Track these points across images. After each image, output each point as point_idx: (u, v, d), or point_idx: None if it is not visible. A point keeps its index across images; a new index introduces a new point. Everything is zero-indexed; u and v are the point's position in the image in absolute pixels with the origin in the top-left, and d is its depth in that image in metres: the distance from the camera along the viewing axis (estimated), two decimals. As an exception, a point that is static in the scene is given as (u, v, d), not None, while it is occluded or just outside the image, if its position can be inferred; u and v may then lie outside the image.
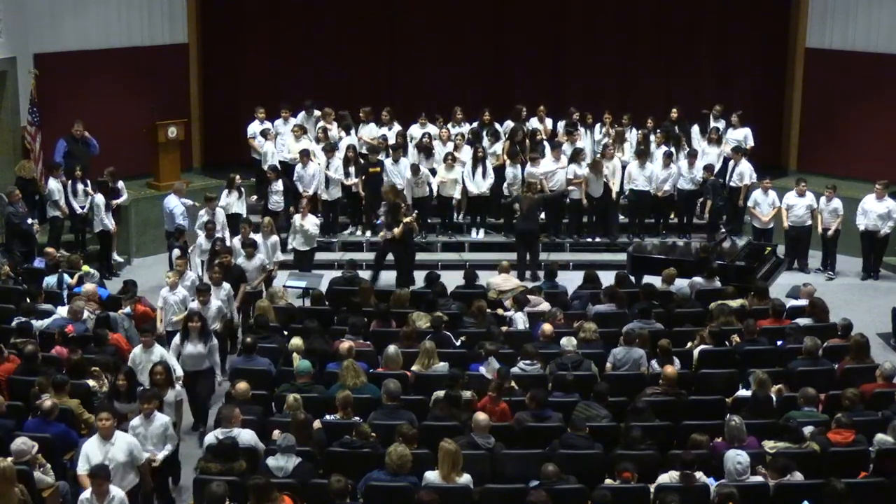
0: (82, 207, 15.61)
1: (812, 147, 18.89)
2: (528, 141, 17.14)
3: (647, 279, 14.34)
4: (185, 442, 10.69)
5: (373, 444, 9.06)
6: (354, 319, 11.63)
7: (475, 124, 17.63)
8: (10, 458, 8.46)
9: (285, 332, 11.82)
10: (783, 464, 8.79)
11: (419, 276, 14.40)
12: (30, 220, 14.84)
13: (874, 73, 17.94)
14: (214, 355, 11.26)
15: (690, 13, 19.67)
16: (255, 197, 17.26)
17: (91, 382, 10.40)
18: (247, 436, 9.14)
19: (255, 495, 8.03)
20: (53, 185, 15.44)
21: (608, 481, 8.75)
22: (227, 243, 14.19)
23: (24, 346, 10.62)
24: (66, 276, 13.22)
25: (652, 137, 17.35)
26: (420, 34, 19.75)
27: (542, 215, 16.49)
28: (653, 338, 11.27)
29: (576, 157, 16.70)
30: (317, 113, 17.73)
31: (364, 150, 17.24)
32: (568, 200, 16.91)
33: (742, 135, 17.56)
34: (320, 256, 16.11)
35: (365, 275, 14.72)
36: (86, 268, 13.58)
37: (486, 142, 17.27)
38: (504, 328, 12.10)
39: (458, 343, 11.65)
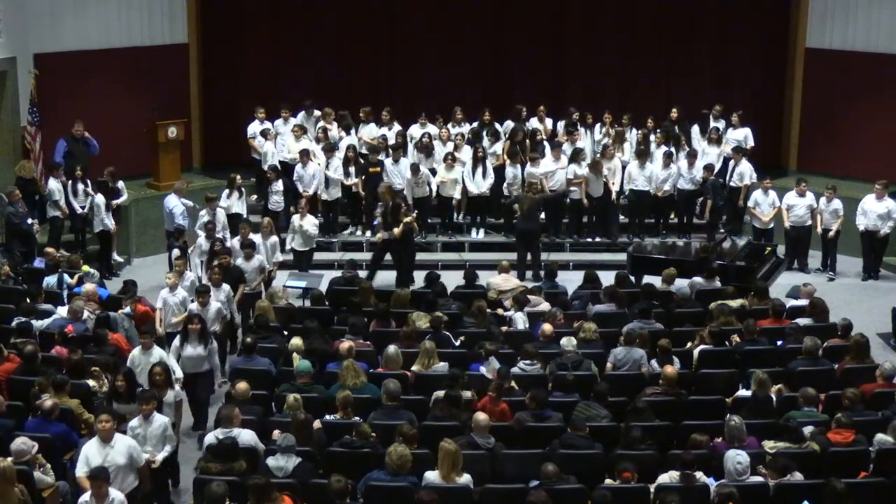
0: (82, 207, 15.60)
1: (812, 147, 18.89)
2: (528, 141, 17.14)
3: (647, 279, 14.35)
4: (185, 444, 10.67)
5: (373, 444, 9.06)
6: (354, 319, 11.63)
7: (475, 124, 17.63)
8: (9, 458, 8.46)
9: (285, 332, 11.82)
10: (783, 464, 8.79)
11: (419, 276, 14.37)
12: (30, 220, 14.84)
13: (874, 73, 17.94)
14: (214, 358, 11.23)
15: (690, 13, 19.68)
16: (254, 196, 17.25)
17: (91, 382, 10.40)
18: (247, 436, 9.14)
19: (255, 495, 8.03)
20: (53, 185, 15.44)
21: (608, 481, 8.75)
22: (228, 244, 14.17)
23: (24, 346, 10.62)
24: (66, 276, 13.22)
25: (652, 137, 17.35)
26: (420, 34, 19.75)
27: (542, 215, 16.48)
28: (653, 338, 11.28)
29: (576, 157, 16.70)
30: (317, 113, 17.73)
31: (364, 150, 17.24)
32: (568, 200, 16.91)
33: (742, 135, 17.56)
34: (320, 256, 16.12)
35: (363, 275, 14.70)
36: (86, 268, 13.58)
37: (486, 142, 17.27)
38: (504, 328, 12.10)
39: (457, 343, 11.65)
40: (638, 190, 16.93)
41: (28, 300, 12.19)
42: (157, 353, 10.65)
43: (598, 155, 17.02)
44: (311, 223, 15.14)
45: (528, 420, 9.60)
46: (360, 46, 19.67)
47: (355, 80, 19.64)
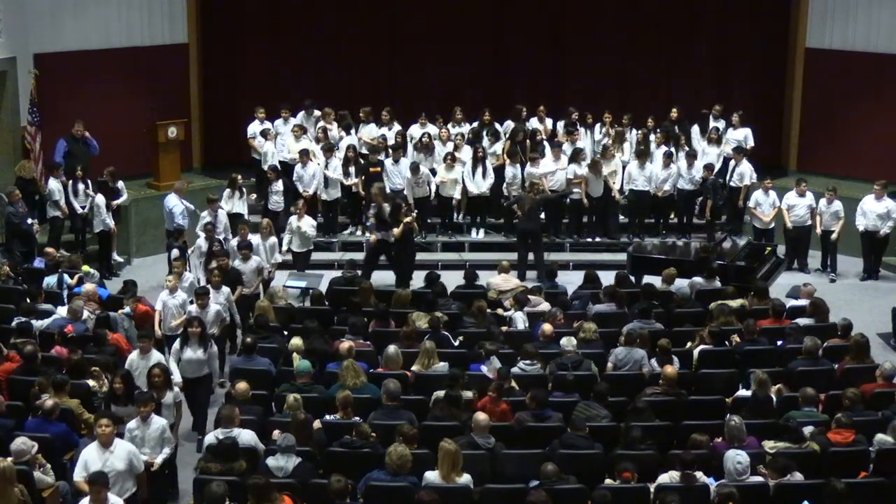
0: (83, 207, 15.60)
1: (812, 147, 18.89)
2: (528, 141, 17.14)
3: (647, 279, 14.35)
4: (183, 447, 10.62)
5: (373, 444, 9.06)
6: (354, 319, 11.63)
7: (475, 124, 17.63)
8: (9, 458, 8.45)
9: (285, 332, 11.82)
10: (783, 464, 8.79)
11: (419, 277, 14.36)
12: (30, 220, 14.84)
13: (874, 73, 17.94)
14: (214, 362, 11.16)
15: (690, 13, 19.68)
16: (254, 196, 17.24)
17: (91, 382, 10.40)
18: (247, 436, 9.14)
19: (255, 495, 8.03)
20: (53, 185, 15.44)
21: (608, 481, 8.75)
22: (229, 245, 14.14)
23: (24, 346, 10.62)
24: (66, 276, 13.22)
25: (652, 137, 17.35)
26: (420, 34, 19.75)
27: (542, 215, 16.47)
28: (653, 338, 11.28)
29: (576, 156, 16.70)
30: (317, 113, 17.73)
31: (364, 151, 17.24)
32: (568, 201, 16.91)
33: (742, 135, 17.55)
34: (321, 256, 16.12)
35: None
36: (86, 268, 13.57)
37: (486, 142, 17.27)
38: (504, 328, 12.09)
39: (456, 343, 11.65)
40: (638, 190, 16.92)
41: (28, 300, 12.19)
42: (156, 356, 10.60)
43: (598, 155, 17.01)
44: (308, 224, 15.10)
45: (528, 420, 9.61)
46: (360, 46, 19.67)
47: (355, 80, 19.64)
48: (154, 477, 9.28)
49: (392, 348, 10.79)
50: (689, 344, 11.70)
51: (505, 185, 16.78)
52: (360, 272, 14.27)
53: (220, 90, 19.52)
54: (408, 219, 15.04)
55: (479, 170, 16.64)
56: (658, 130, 17.51)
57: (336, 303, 12.96)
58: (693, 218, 17.19)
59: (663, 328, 11.93)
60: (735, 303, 12.48)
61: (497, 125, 17.71)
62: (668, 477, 8.68)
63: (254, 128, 17.55)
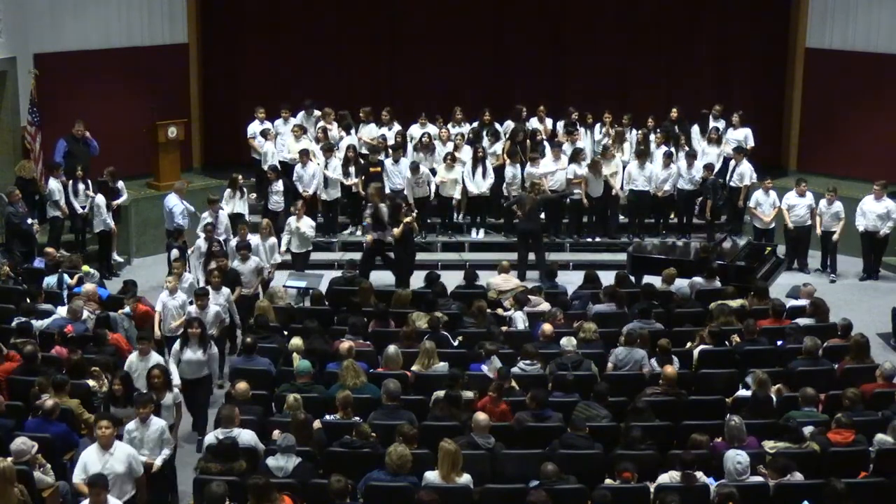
0: (83, 207, 15.59)
1: (812, 147, 18.89)
2: (528, 141, 17.14)
3: (647, 279, 14.34)
4: (183, 448, 10.60)
5: (373, 444, 9.06)
6: (354, 319, 11.63)
7: (475, 124, 17.63)
8: (9, 458, 8.45)
9: (285, 332, 11.82)
10: (783, 464, 8.79)
11: (419, 276, 14.36)
12: (30, 220, 14.84)
13: (874, 73, 17.94)
14: (213, 364, 11.13)
15: (690, 13, 19.68)
16: (254, 195, 17.24)
17: (91, 382, 10.40)
18: (247, 436, 9.13)
19: (255, 495, 8.02)
20: (53, 185, 15.43)
21: (608, 481, 8.75)
22: (230, 245, 14.12)
23: (24, 346, 10.62)
24: (66, 276, 13.21)
25: (652, 137, 17.35)
26: (420, 34, 19.75)
27: (542, 215, 16.47)
28: (653, 338, 11.28)
29: (576, 156, 16.70)
30: (317, 113, 17.73)
31: (364, 151, 17.23)
32: (568, 201, 16.90)
33: (742, 135, 17.55)
34: (321, 256, 16.12)
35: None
36: (86, 268, 13.58)
37: (485, 142, 17.27)
38: (504, 328, 12.09)
39: (455, 343, 11.65)
40: (638, 190, 16.92)
41: (28, 300, 12.19)
42: (155, 358, 10.56)
43: (598, 155, 17.01)
44: (307, 225, 15.06)
45: (528, 420, 9.61)
46: (360, 46, 19.67)
47: (355, 80, 19.64)
48: (154, 479, 9.27)
49: (392, 348, 10.79)
50: (689, 344, 11.70)
51: (505, 185, 16.78)
52: (358, 272, 14.26)
53: (220, 90, 19.52)
54: (408, 219, 15.03)
55: (479, 170, 16.64)
56: (658, 130, 17.51)
57: (336, 303, 12.95)
58: (693, 218, 17.19)
59: (663, 328, 11.93)
60: (735, 303, 12.48)
61: (497, 125, 17.71)
62: (669, 477, 8.68)
63: (254, 128, 17.55)
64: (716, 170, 16.89)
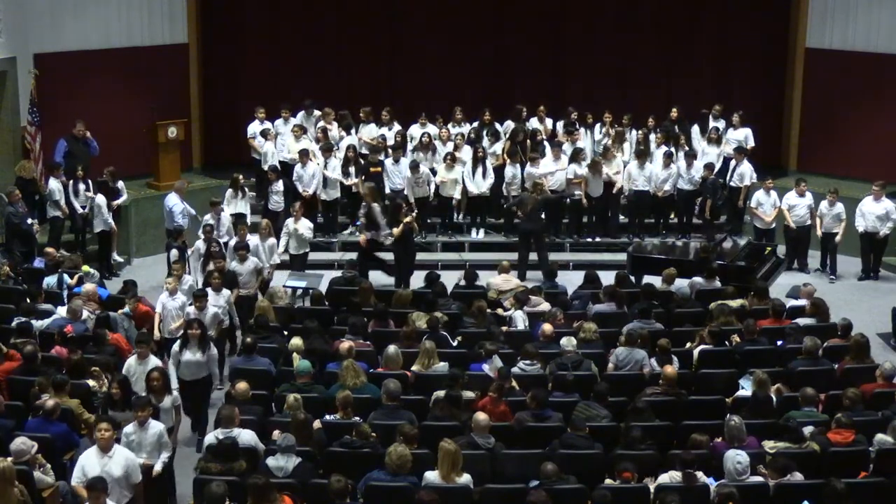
0: (83, 207, 15.59)
1: (812, 147, 18.89)
2: (528, 141, 17.14)
3: (647, 279, 14.34)
4: (182, 451, 10.54)
5: (373, 444, 9.06)
6: (354, 319, 11.63)
7: (475, 124, 17.63)
8: (9, 458, 8.45)
9: (285, 332, 11.82)
10: (783, 464, 8.79)
11: (419, 276, 14.36)
12: (30, 220, 14.84)
13: (874, 73, 17.94)
14: (213, 365, 11.07)
15: (690, 13, 19.68)
16: (253, 194, 17.22)
17: (91, 382, 10.40)
18: (247, 436, 9.13)
19: (255, 495, 8.02)
20: (54, 185, 15.43)
21: (608, 481, 8.75)
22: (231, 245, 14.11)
23: (24, 346, 10.61)
24: (65, 276, 13.21)
25: (652, 137, 17.35)
26: (420, 34, 19.75)
27: (542, 215, 16.46)
28: (653, 338, 11.28)
29: (576, 156, 16.71)
30: (317, 113, 17.73)
31: (364, 151, 17.23)
32: (568, 201, 16.90)
33: (743, 135, 17.55)
34: (321, 256, 16.12)
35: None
36: (86, 268, 13.58)
37: (486, 142, 17.27)
38: (504, 328, 12.09)
39: (454, 343, 11.65)
40: (638, 190, 16.92)
41: (28, 300, 12.19)
42: (153, 361, 10.51)
43: (599, 156, 17.02)
44: (305, 226, 15.00)
45: (528, 420, 9.61)
46: (360, 46, 19.67)
47: (355, 80, 19.64)
48: (153, 482, 9.21)
49: (392, 348, 10.79)
50: (689, 344, 11.70)
51: (505, 184, 16.78)
52: (358, 272, 14.26)
53: (220, 90, 19.52)
54: (407, 219, 15.02)
55: (479, 170, 16.64)
56: (658, 130, 17.51)
57: (336, 303, 12.95)
58: (693, 218, 17.19)
59: (663, 328, 11.93)
60: (735, 303, 12.48)
61: (497, 125, 17.71)
62: (669, 477, 8.68)
63: (254, 128, 17.55)
64: (716, 170, 16.89)
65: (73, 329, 11.38)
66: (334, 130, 17.42)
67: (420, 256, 15.73)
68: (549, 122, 18.05)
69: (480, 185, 16.72)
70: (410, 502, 8.21)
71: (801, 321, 12.24)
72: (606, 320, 12.15)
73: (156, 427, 9.29)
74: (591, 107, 18.07)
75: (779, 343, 11.57)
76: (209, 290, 12.28)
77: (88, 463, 8.59)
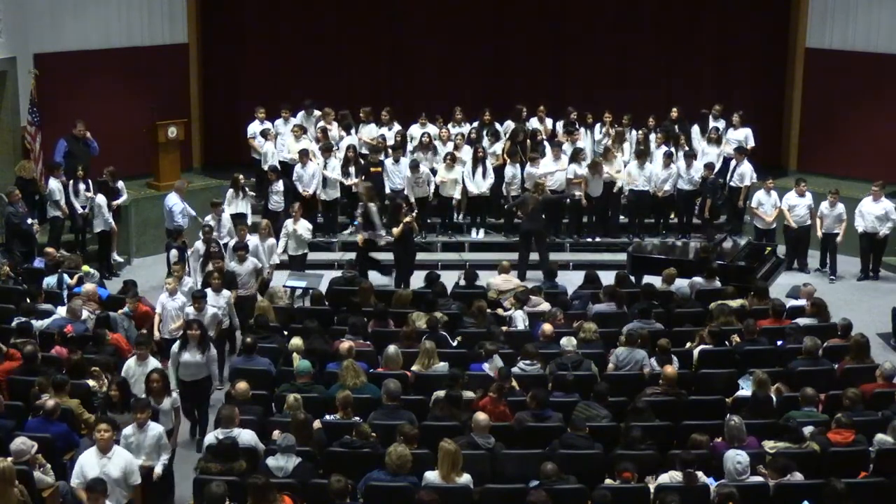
0: (83, 207, 15.59)
1: (812, 147, 18.89)
2: (528, 141, 17.14)
3: (647, 279, 14.34)
4: (181, 453, 10.47)
5: (373, 444, 9.06)
6: (354, 319, 11.63)
7: (475, 124, 17.63)
8: (9, 458, 8.45)
9: (285, 332, 11.81)
10: (783, 464, 8.79)
11: (419, 276, 14.36)
12: (30, 220, 14.84)
13: (874, 73, 17.94)
14: (213, 366, 11.04)
15: (690, 13, 19.68)
16: (253, 194, 17.22)
17: (91, 382, 10.40)
18: (247, 436, 9.13)
19: (254, 495, 8.02)
20: (54, 185, 15.42)
21: (608, 481, 8.75)
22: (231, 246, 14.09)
23: (24, 346, 10.61)
24: (65, 276, 13.21)
25: (652, 137, 17.35)
26: (420, 34, 19.75)
27: (543, 215, 16.46)
28: (653, 338, 11.28)
29: (576, 156, 16.71)
30: (317, 113, 17.73)
31: (364, 151, 17.23)
32: (568, 201, 16.90)
33: (743, 135, 17.55)
34: (321, 256, 16.12)
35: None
36: (86, 268, 13.58)
37: (486, 142, 17.27)
38: (504, 328, 12.09)
39: (454, 343, 11.64)
40: (638, 190, 16.92)
41: (28, 300, 12.18)
42: (153, 363, 10.48)
43: (599, 156, 17.02)
44: (304, 228, 14.96)
45: (528, 420, 9.61)
46: (360, 46, 19.67)
47: (355, 80, 19.64)
48: (152, 484, 9.17)
49: (392, 348, 10.79)
50: (689, 344, 11.70)
51: (505, 184, 16.78)
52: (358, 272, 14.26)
53: (220, 90, 19.52)
54: (407, 218, 15.02)
55: (479, 170, 16.64)
56: (658, 130, 17.51)
57: (336, 303, 12.95)
58: (693, 218, 17.19)
59: (663, 328, 11.93)
60: (735, 303, 12.48)
61: (497, 125, 17.71)
62: (669, 477, 8.68)
63: (254, 128, 17.55)
64: (716, 170, 16.89)
65: (73, 329, 11.38)
66: (334, 130, 17.42)
67: (420, 256, 15.73)
68: (549, 122, 18.05)
69: (480, 185, 16.71)
70: (410, 502, 8.21)
71: (801, 321, 12.25)
72: (606, 320, 12.15)
73: (155, 429, 9.26)
74: (591, 107, 18.06)
75: (779, 343, 11.58)
76: (209, 290, 12.27)
77: (87, 464, 8.58)
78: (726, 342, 11.62)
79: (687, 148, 17.25)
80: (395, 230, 14.92)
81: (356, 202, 16.88)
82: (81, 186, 15.56)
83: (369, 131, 17.62)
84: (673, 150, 16.94)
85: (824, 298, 12.77)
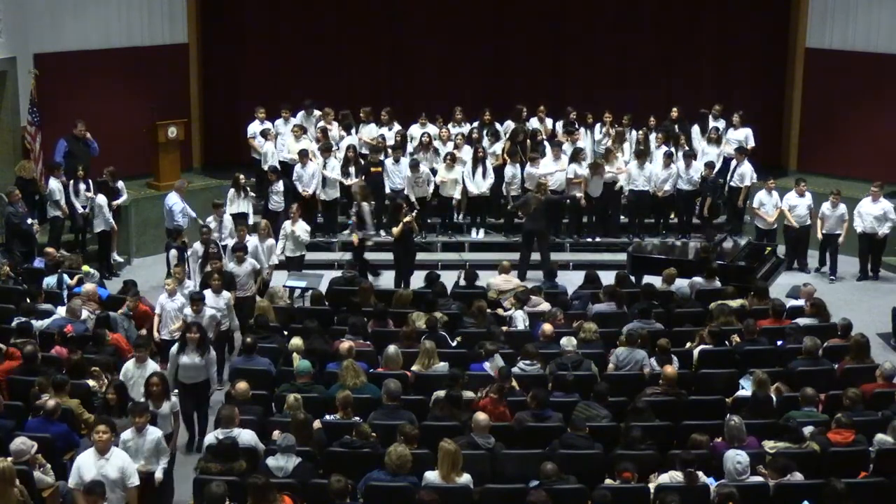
0: (84, 207, 15.59)
1: (812, 147, 18.90)
2: (528, 141, 17.14)
3: (647, 279, 14.34)
4: (180, 457, 10.42)
5: (373, 444, 9.06)
6: (354, 319, 11.63)
7: (475, 124, 17.63)
8: (9, 458, 8.44)
9: (285, 332, 11.81)
10: (783, 464, 8.79)
11: (419, 276, 14.36)
12: (30, 220, 14.84)
13: (874, 73, 17.95)
14: (212, 368, 10.95)
15: (690, 13, 19.68)
16: (254, 195, 17.20)
17: (91, 382, 10.39)
18: (247, 436, 9.13)
19: (254, 495, 8.02)
20: (54, 185, 15.42)
21: (608, 481, 8.75)
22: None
23: (24, 346, 10.61)
24: (65, 277, 13.21)
25: (652, 137, 17.35)
26: (420, 34, 19.75)
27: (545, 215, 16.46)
28: (653, 338, 11.28)
29: (576, 156, 16.71)
30: (317, 113, 17.73)
31: (364, 151, 17.23)
32: (568, 201, 16.90)
33: (743, 135, 17.55)
34: (321, 256, 16.12)
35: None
36: (86, 268, 13.58)
37: (486, 142, 17.27)
38: (504, 328, 12.09)
39: (453, 344, 11.64)
40: (638, 190, 16.92)
41: (28, 300, 12.18)
42: (152, 366, 10.45)
43: (600, 157, 17.02)
44: (302, 229, 14.92)
45: (528, 420, 9.61)
46: (360, 46, 19.67)
47: (355, 80, 19.64)
48: (152, 489, 9.13)
49: (392, 348, 10.79)
50: (689, 344, 11.70)
51: (505, 184, 16.78)
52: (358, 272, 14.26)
53: (220, 90, 19.52)
54: (407, 218, 15.01)
55: (479, 170, 16.64)
56: (658, 130, 17.51)
57: (336, 303, 12.95)
58: (693, 218, 17.19)
59: (663, 328, 11.93)
60: (735, 303, 12.48)
61: (497, 125, 17.71)
62: (669, 477, 8.68)
63: (254, 128, 17.55)
64: (716, 169, 16.89)
65: (73, 329, 11.38)
66: (334, 130, 17.42)
67: (420, 256, 15.73)
68: (549, 122, 18.05)
69: (480, 185, 16.71)
70: (410, 502, 8.22)
71: (801, 321, 12.25)
72: (606, 320, 12.15)
73: (154, 433, 9.19)
74: (591, 107, 18.06)
75: (779, 343, 11.58)
76: (209, 291, 12.24)
77: (85, 465, 8.54)
78: (726, 342, 11.62)
79: (687, 148, 17.25)
80: (395, 230, 14.92)
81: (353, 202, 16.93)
82: (81, 186, 15.56)
83: (369, 131, 17.62)
84: (673, 150, 16.94)
85: (824, 298, 12.78)
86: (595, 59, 19.58)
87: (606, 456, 9.11)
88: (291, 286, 13.94)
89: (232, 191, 15.92)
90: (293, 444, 8.82)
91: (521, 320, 12.29)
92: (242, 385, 9.88)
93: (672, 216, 17.25)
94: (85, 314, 11.88)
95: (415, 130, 17.64)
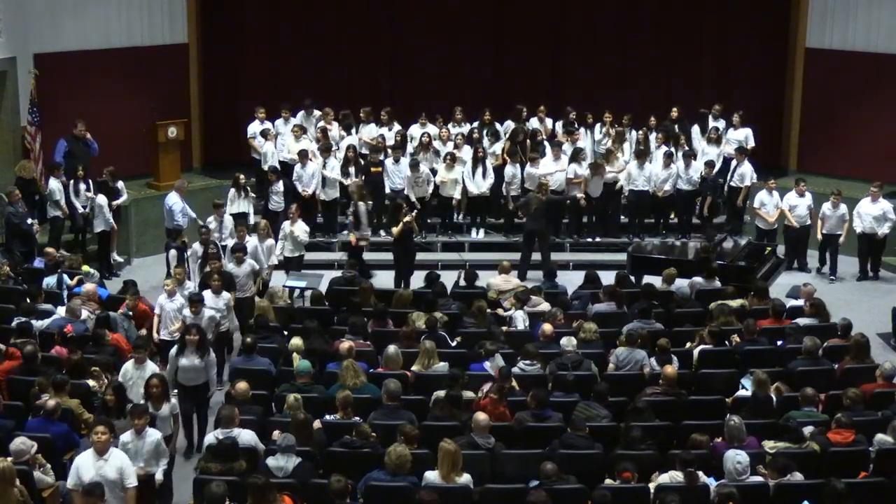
0: (84, 207, 15.58)
1: (812, 147, 18.90)
2: (528, 141, 17.14)
3: (647, 279, 14.34)
4: (179, 459, 10.42)
5: (373, 444, 9.06)
6: (354, 319, 11.63)
7: (475, 124, 17.63)
8: (9, 458, 8.44)
9: (285, 332, 11.81)
10: (783, 464, 8.79)
11: (419, 276, 14.36)
12: (30, 220, 14.84)
13: (874, 73, 17.95)
14: (211, 370, 10.88)
15: (690, 14, 19.68)
16: (254, 195, 17.20)
17: (91, 382, 10.39)
18: (247, 436, 9.13)
19: (254, 495, 8.02)
20: (54, 185, 15.42)
21: (608, 481, 8.75)
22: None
23: (24, 346, 10.61)
24: (65, 277, 13.21)
25: (652, 137, 17.35)
26: (420, 34, 19.76)
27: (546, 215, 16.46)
28: (653, 338, 11.28)
29: (576, 156, 16.71)
30: (317, 113, 17.73)
31: (364, 151, 17.24)
32: (568, 202, 16.90)
33: (743, 135, 17.55)
34: (321, 256, 16.12)
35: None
36: (86, 268, 13.58)
37: (486, 142, 17.27)
38: (504, 328, 12.09)
39: (453, 344, 11.64)
40: (638, 190, 16.92)
41: (28, 300, 12.18)
42: (151, 367, 10.45)
43: (601, 157, 17.02)
44: (301, 229, 14.88)
45: (528, 420, 9.61)
46: (360, 46, 19.67)
47: (355, 80, 19.64)
48: (152, 491, 9.12)
49: (392, 348, 10.78)
50: (689, 344, 11.70)
51: (505, 184, 16.78)
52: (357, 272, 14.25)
53: (220, 90, 19.52)
54: (407, 218, 15.01)
55: (479, 170, 16.64)
56: (658, 130, 17.51)
57: (336, 303, 12.95)
58: (693, 218, 17.19)
59: (663, 328, 11.93)
60: (735, 303, 12.48)
61: (497, 125, 17.71)
62: (669, 477, 8.68)
63: (254, 128, 17.55)
64: (716, 169, 16.89)
65: (73, 329, 11.38)
66: (334, 130, 17.42)
67: (420, 256, 15.73)
68: (549, 122, 18.05)
69: (480, 185, 16.71)
70: (410, 502, 8.22)
71: (801, 321, 12.25)
72: (606, 320, 12.15)
73: (153, 435, 9.16)
74: (591, 107, 18.06)
75: (779, 343, 11.58)
76: (208, 292, 12.23)
77: (83, 465, 8.52)
78: (726, 342, 11.62)
79: (687, 148, 17.25)
80: (395, 230, 14.93)
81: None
82: (82, 186, 15.56)
83: (369, 131, 17.62)
84: (673, 150, 16.94)
85: (824, 298, 12.78)
86: (595, 59, 19.58)
87: (606, 456, 9.11)
88: (291, 286, 13.94)
89: (232, 191, 15.91)
90: (293, 444, 8.82)
91: (521, 320, 12.29)
92: (242, 385, 9.88)
93: (672, 216, 17.25)
94: (85, 314, 11.89)
95: (415, 130, 17.64)
